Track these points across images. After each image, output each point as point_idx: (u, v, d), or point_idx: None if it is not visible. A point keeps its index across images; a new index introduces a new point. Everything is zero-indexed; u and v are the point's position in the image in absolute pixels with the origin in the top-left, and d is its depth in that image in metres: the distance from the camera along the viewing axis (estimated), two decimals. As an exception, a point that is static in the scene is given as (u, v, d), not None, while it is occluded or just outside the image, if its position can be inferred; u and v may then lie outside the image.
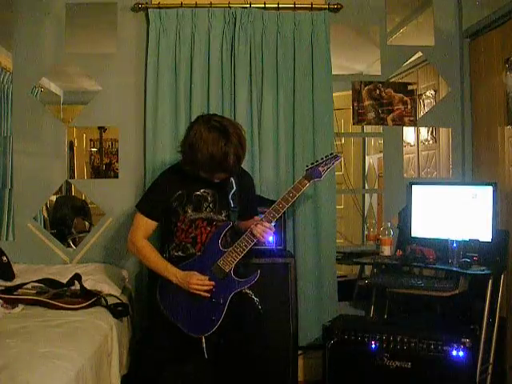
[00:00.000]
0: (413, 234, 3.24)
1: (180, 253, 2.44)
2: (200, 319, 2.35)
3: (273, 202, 2.92)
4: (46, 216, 3.65)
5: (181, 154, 2.39)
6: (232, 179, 2.47)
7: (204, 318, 2.35)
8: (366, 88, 3.43)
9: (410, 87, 3.47)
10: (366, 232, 3.65)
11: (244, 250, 2.37)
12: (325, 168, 2.46)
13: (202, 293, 2.34)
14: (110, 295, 2.75)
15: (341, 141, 3.47)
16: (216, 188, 2.43)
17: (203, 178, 2.38)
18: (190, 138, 2.30)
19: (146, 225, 2.45)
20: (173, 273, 2.36)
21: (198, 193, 2.43)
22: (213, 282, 2.35)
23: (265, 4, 3.20)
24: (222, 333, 2.36)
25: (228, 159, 2.24)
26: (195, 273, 2.36)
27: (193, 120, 2.44)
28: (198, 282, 2.34)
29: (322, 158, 2.49)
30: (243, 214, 2.57)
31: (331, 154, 2.50)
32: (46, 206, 3.62)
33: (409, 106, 3.44)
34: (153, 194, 2.49)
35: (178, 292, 2.37)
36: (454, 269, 2.79)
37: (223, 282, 2.36)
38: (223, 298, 2.35)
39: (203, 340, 2.33)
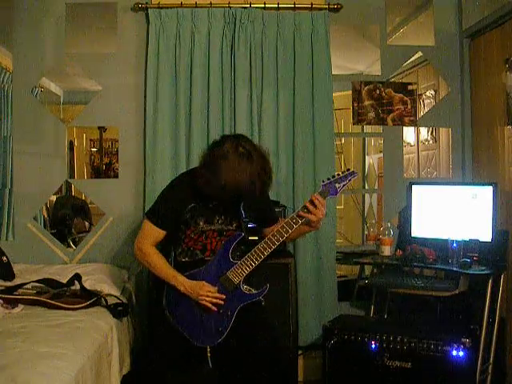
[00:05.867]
0: (413, 234, 3.24)
1: (187, 258, 2.40)
2: (207, 329, 2.32)
3: (273, 202, 2.93)
4: (45, 216, 3.64)
5: (200, 171, 2.29)
6: None
7: (211, 328, 2.32)
8: (366, 88, 3.43)
9: (410, 87, 3.47)
10: (366, 232, 3.64)
11: (256, 262, 2.30)
12: (341, 185, 2.35)
13: (211, 306, 2.30)
14: (110, 295, 2.74)
15: (341, 141, 3.47)
16: (228, 199, 2.36)
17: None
18: (216, 160, 2.21)
19: (155, 234, 2.39)
20: (181, 282, 2.32)
21: (211, 205, 2.37)
22: (223, 296, 2.31)
23: (265, 4, 3.20)
24: (228, 341, 2.33)
25: (255, 187, 2.19)
26: (205, 283, 2.31)
27: (216, 140, 2.34)
28: (208, 294, 2.30)
29: (339, 174, 2.38)
30: (262, 221, 2.53)
31: (348, 170, 2.39)
32: (46, 206, 3.61)
33: (409, 106, 3.45)
34: (164, 204, 2.41)
35: (185, 301, 2.33)
36: (454, 269, 2.79)
37: (232, 294, 2.32)
38: (231, 309, 2.32)
39: (208, 349, 2.31)
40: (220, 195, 2.24)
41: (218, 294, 2.31)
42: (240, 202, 2.39)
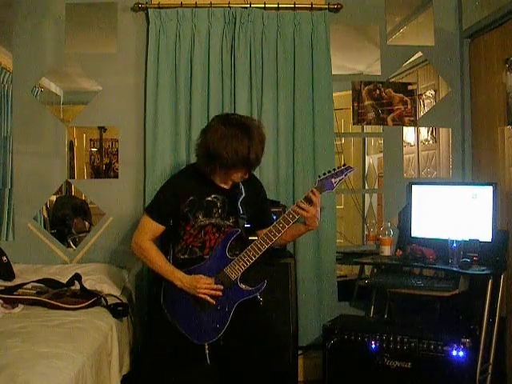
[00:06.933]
0: (413, 234, 3.24)
1: (186, 256, 2.39)
2: (204, 326, 2.32)
3: (273, 202, 2.93)
4: (45, 216, 3.64)
5: (197, 155, 2.34)
6: (241, 185, 2.41)
7: (208, 325, 2.32)
8: (366, 88, 3.43)
9: (409, 87, 3.47)
10: (365, 232, 3.64)
11: (253, 258, 2.30)
12: (337, 180, 2.35)
13: (208, 298, 2.30)
14: (110, 295, 2.75)
15: (341, 141, 3.47)
16: (226, 194, 2.39)
17: (215, 182, 2.35)
18: (210, 136, 2.25)
19: (153, 228, 2.40)
20: (178, 277, 2.32)
21: (209, 198, 2.38)
22: (221, 287, 2.31)
23: (265, 4, 3.20)
24: (225, 338, 2.33)
25: (250, 154, 2.22)
26: (202, 276, 2.32)
27: (209, 121, 2.41)
28: (206, 286, 2.30)
29: (335, 169, 2.38)
30: (257, 221, 2.52)
31: (344, 165, 2.39)
32: (46, 206, 3.61)
33: (409, 106, 3.45)
34: (164, 199, 2.42)
35: (183, 298, 2.33)
36: (454, 269, 2.79)
37: (229, 290, 2.33)
38: (228, 306, 2.32)
39: (206, 347, 2.31)
40: (228, 169, 2.27)
41: (215, 286, 2.31)
42: (237, 196, 2.41)
